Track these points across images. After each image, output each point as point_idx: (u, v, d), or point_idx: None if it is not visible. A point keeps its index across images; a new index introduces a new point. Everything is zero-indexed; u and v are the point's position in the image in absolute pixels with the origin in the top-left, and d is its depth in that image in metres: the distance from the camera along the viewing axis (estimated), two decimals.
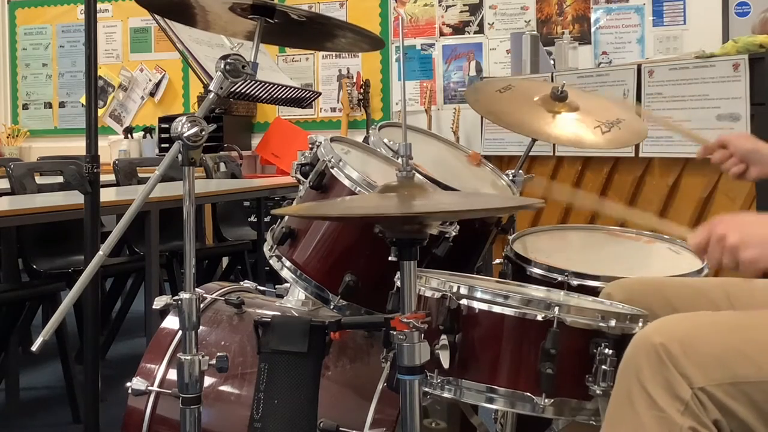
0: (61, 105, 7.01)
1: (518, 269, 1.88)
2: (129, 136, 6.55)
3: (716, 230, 1.26)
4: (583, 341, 1.41)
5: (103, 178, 2.27)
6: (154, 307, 1.53)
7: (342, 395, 1.72)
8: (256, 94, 2.18)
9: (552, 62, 4.53)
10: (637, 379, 1.18)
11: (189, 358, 1.48)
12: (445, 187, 1.77)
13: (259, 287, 2.08)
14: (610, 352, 1.38)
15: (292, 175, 1.87)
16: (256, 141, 6.36)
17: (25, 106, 7.13)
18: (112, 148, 6.36)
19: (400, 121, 1.51)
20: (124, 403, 1.84)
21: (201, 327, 1.55)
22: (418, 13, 5.98)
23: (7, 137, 7.00)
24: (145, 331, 3.50)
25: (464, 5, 5.89)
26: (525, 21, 5.72)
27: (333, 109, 6.23)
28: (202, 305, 1.77)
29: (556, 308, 1.40)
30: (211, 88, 1.53)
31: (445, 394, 1.46)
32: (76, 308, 3.17)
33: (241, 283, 2.10)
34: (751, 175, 1.75)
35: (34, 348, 1.36)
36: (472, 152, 2.15)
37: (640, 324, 1.44)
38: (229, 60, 1.52)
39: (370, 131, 2.02)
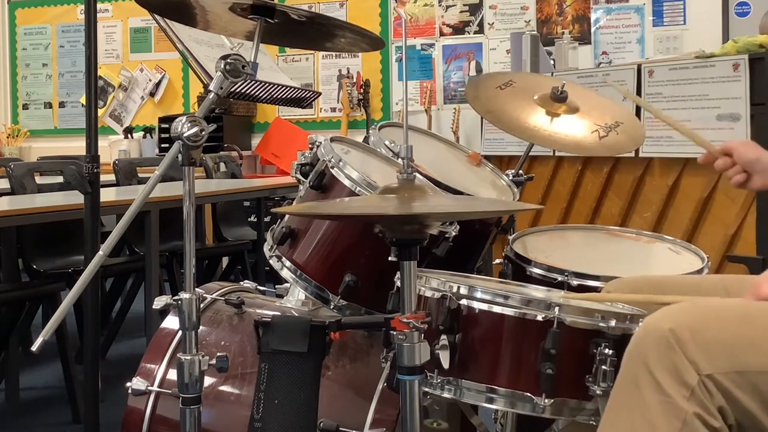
0: (61, 105, 7.01)
1: (518, 269, 1.88)
2: (129, 136, 6.55)
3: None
4: (583, 341, 1.41)
5: (103, 178, 2.27)
6: (154, 307, 1.53)
7: (342, 395, 1.72)
8: (256, 94, 2.18)
9: (552, 62, 4.53)
10: (644, 363, 1.18)
11: (189, 358, 1.48)
12: (445, 188, 1.77)
13: (259, 287, 2.08)
14: (610, 352, 1.38)
15: (292, 175, 1.87)
16: (256, 141, 6.36)
17: (25, 106, 7.13)
18: (112, 148, 6.36)
19: (401, 121, 1.51)
20: (124, 403, 1.84)
21: (201, 327, 1.55)
22: (418, 13, 5.98)
23: (7, 137, 6.99)
24: (145, 331, 3.50)
25: (464, 5, 5.88)
26: (525, 21, 5.72)
27: (333, 109, 6.23)
28: (202, 305, 1.77)
29: (556, 308, 1.40)
30: (211, 88, 1.53)
31: (445, 394, 1.46)
32: (76, 308, 3.17)
33: (241, 283, 2.10)
34: (754, 185, 1.73)
35: (34, 348, 1.36)
36: (472, 152, 2.15)
37: (640, 324, 1.44)
38: (229, 60, 1.52)
39: (370, 131, 2.01)
